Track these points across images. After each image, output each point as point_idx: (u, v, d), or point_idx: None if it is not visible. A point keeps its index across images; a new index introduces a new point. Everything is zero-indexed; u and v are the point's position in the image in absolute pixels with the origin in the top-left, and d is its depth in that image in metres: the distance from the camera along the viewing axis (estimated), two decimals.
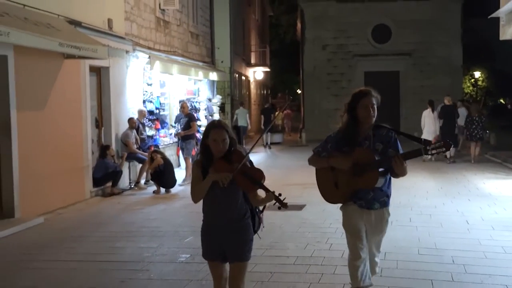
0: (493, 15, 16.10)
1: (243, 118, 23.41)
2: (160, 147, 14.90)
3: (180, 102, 16.39)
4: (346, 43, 27.41)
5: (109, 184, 12.37)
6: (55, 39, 9.01)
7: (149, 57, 14.67)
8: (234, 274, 4.26)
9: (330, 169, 4.65)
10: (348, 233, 4.71)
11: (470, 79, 50.47)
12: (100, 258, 7.32)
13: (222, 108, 23.21)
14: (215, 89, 22.70)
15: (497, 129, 24.51)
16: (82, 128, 11.71)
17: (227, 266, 4.35)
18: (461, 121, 18.06)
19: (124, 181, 13.16)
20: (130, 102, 14.06)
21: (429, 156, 3.62)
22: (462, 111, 18.67)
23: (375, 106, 4.54)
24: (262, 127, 25.58)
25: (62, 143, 10.83)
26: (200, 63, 20.37)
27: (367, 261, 4.63)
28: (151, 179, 12.98)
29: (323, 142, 4.79)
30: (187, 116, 14.44)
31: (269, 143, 24.38)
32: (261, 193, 4.21)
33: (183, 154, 14.68)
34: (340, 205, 4.79)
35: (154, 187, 12.76)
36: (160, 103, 16.08)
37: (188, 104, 16.12)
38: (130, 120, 13.47)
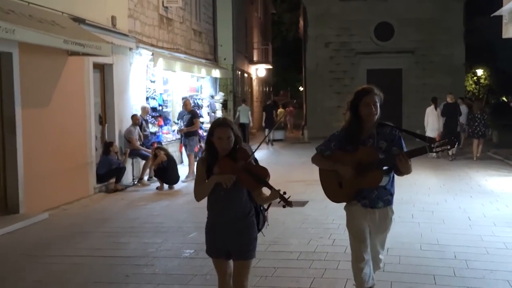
0: (496, 13, 16.11)
1: (245, 115, 23.45)
2: (163, 143, 14.95)
3: (183, 99, 16.44)
4: (349, 41, 27.41)
5: (113, 180, 12.43)
6: (60, 36, 9.05)
7: (152, 54, 14.72)
8: (238, 271, 4.28)
9: (335, 169, 4.63)
10: (351, 235, 4.69)
11: (473, 77, 50.46)
12: (104, 254, 7.38)
13: (224, 105, 23.24)
14: (217, 86, 22.74)
15: (499, 127, 24.53)
16: (86, 125, 11.76)
17: (231, 262, 4.37)
18: (462, 118, 18.13)
19: (127, 178, 13.23)
20: (133, 99, 14.11)
21: (434, 154, 3.63)
22: (463, 109, 18.72)
23: (378, 104, 4.51)
24: (263, 124, 25.60)
25: (66, 140, 10.88)
26: (203, 61, 20.41)
27: (370, 262, 4.63)
28: (155, 176, 13.05)
29: (327, 140, 4.76)
30: (190, 113, 14.51)
31: (271, 139, 24.42)
32: (266, 191, 4.20)
33: (186, 150, 14.75)
34: (344, 204, 4.78)
35: (157, 184, 12.82)
36: (163, 100, 16.14)
37: (191, 101, 16.18)
38: (134, 116, 13.52)
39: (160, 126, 15.64)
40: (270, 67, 38.02)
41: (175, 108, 17.26)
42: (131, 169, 13.62)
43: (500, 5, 16.09)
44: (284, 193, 4.08)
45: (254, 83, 35.41)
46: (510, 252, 7.01)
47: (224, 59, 25.26)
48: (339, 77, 27.45)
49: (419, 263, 6.55)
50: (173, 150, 15.69)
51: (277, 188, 4.11)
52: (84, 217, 9.87)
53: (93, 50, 10.22)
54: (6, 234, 8.50)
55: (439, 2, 26.64)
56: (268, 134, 22.62)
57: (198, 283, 6.05)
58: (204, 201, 4.36)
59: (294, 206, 4.20)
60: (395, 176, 4.66)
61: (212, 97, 21.05)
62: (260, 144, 4.95)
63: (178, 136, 15.97)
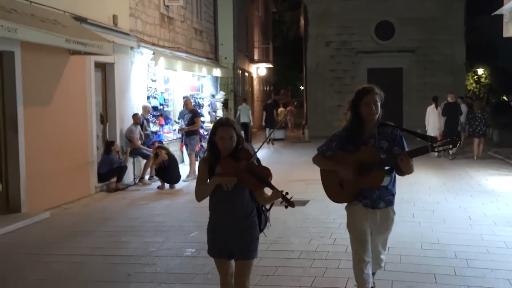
0: (497, 12, 16.13)
1: (245, 114, 23.46)
2: (164, 143, 14.97)
3: (183, 98, 16.45)
4: (350, 40, 27.42)
5: (114, 179, 12.45)
6: (62, 36, 9.08)
7: (154, 53, 14.73)
8: (240, 271, 4.29)
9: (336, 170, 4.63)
10: (352, 236, 4.69)
11: (473, 76, 50.44)
12: (106, 253, 7.40)
13: (225, 104, 23.26)
14: (218, 85, 22.76)
15: (500, 126, 24.53)
16: (87, 124, 11.78)
17: (233, 262, 4.37)
18: (462, 117, 18.15)
19: (128, 177, 13.24)
20: (134, 98, 14.13)
21: (435, 153, 3.62)
22: (463, 108, 18.75)
23: (378, 104, 4.50)
24: (263, 123, 25.63)
25: (67, 139, 10.91)
26: (204, 59, 20.43)
27: (371, 262, 4.63)
28: (156, 175, 13.06)
29: (328, 140, 4.75)
30: (191, 112, 14.53)
31: (272, 139, 24.42)
32: (268, 191, 4.19)
33: (187, 150, 14.78)
34: (344, 204, 4.78)
35: (159, 183, 12.83)
36: (164, 99, 16.15)
37: (192, 100, 16.20)
38: (135, 116, 13.54)
39: (161, 125, 15.66)
40: (271, 66, 38.04)
41: (176, 107, 17.27)
42: (132, 168, 13.64)
43: (500, 4, 16.11)
44: (287, 193, 4.06)
45: (255, 82, 35.43)
46: (510, 251, 7.04)
47: (225, 58, 25.29)
48: (340, 76, 27.46)
49: (419, 262, 6.57)
50: (174, 149, 15.71)
51: (279, 188, 4.09)
52: (85, 216, 9.89)
53: (94, 49, 10.25)
54: (8, 233, 8.53)
55: (440, 1, 26.65)
56: (270, 134, 22.59)
57: (200, 281, 6.07)
58: (206, 200, 4.36)
59: (295, 206, 4.18)
60: (397, 176, 4.65)
61: (213, 96, 21.06)
62: (262, 145, 4.96)
63: (179, 135, 15.98)
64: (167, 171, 12.61)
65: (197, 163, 14.20)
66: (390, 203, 4.63)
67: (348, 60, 27.45)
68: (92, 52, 10.57)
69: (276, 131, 25.62)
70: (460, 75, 27.58)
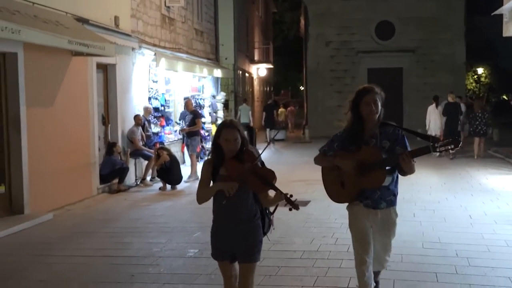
0: (497, 12, 16.17)
1: (245, 115, 23.51)
2: (165, 144, 15.01)
3: (184, 99, 16.50)
4: (350, 40, 27.45)
5: (116, 181, 12.49)
6: (64, 37, 9.13)
7: (155, 54, 14.77)
8: (243, 274, 4.29)
9: (336, 168, 4.62)
10: (354, 237, 4.69)
11: (473, 76, 50.48)
12: (109, 253, 7.44)
13: (226, 105, 23.30)
14: (219, 86, 22.79)
15: (500, 125, 24.56)
16: (89, 125, 11.83)
17: (236, 264, 4.38)
18: (461, 117, 18.18)
19: (130, 178, 13.28)
20: (136, 99, 14.17)
21: (437, 153, 3.64)
22: (462, 107, 18.76)
23: (379, 103, 4.51)
24: (263, 123, 25.69)
25: (69, 140, 10.95)
26: (205, 60, 20.48)
27: (371, 263, 4.62)
28: (157, 176, 13.08)
29: (329, 141, 4.77)
30: (192, 113, 14.56)
31: (273, 139, 24.45)
32: (272, 193, 4.19)
33: (188, 150, 14.81)
34: (346, 204, 4.78)
35: (160, 184, 12.86)
36: (165, 100, 16.18)
37: (193, 101, 16.23)
38: (136, 117, 13.58)
39: (162, 127, 15.69)
40: (271, 66, 38.07)
41: (177, 108, 17.31)
42: (134, 169, 13.68)
43: (500, 3, 16.14)
44: (291, 196, 4.05)
45: (255, 82, 35.47)
46: (511, 249, 7.09)
47: (226, 58, 25.33)
48: (340, 76, 27.49)
49: (421, 261, 6.62)
50: (175, 150, 15.74)
51: (282, 190, 4.08)
52: (87, 217, 9.93)
53: (97, 50, 10.29)
54: (11, 234, 8.57)
55: (440, 1, 26.68)
56: (274, 136, 22.58)
57: (203, 282, 6.12)
58: (208, 201, 4.37)
59: (299, 208, 4.15)
60: (399, 176, 4.66)
61: (214, 97, 21.10)
62: (266, 147, 4.99)
63: (180, 136, 16.02)
64: (168, 172, 12.64)
65: (198, 164, 14.27)
66: (392, 203, 4.64)
67: (348, 60, 27.48)
68: (94, 53, 10.61)
69: (276, 132, 25.64)
70: (460, 75, 27.61)
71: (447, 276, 6.03)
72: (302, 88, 49.57)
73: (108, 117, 13.04)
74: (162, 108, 15.87)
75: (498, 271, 6.18)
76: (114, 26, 12.68)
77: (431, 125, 17.87)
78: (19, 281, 6.43)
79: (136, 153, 13.45)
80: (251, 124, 23.90)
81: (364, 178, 4.47)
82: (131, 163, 13.44)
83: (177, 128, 16.26)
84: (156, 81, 15.55)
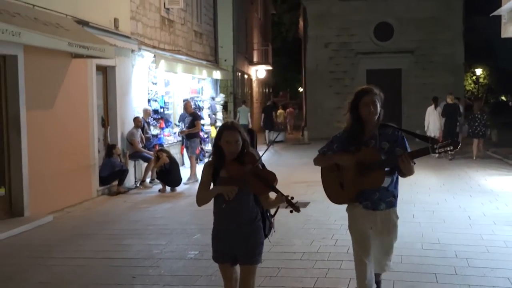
0: (495, 13, 16.17)
1: (244, 116, 23.56)
2: (164, 146, 15.02)
3: (184, 101, 16.53)
4: (349, 41, 27.48)
5: (115, 183, 12.50)
6: (64, 39, 9.14)
7: (154, 56, 14.79)
8: (244, 276, 4.28)
9: (336, 169, 4.61)
10: (354, 238, 4.69)
11: (472, 77, 50.56)
12: (109, 255, 7.47)
13: (225, 106, 23.34)
14: (218, 88, 22.81)
15: (499, 126, 24.63)
16: (89, 127, 11.84)
17: (237, 267, 4.37)
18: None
19: (129, 180, 13.29)
20: (135, 101, 14.19)
21: (437, 155, 3.63)
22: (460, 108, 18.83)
23: (378, 104, 4.50)
24: (262, 124, 25.73)
25: (69, 142, 10.96)
26: (204, 62, 20.50)
27: (372, 265, 4.62)
28: (157, 178, 13.08)
29: (329, 142, 4.77)
30: (191, 115, 14.59)
31: (272, 140, 24.47)
32: (272, 195, 4.18)
33: (187, 152, 14.82)
34: (345, 205, 4.78)
35: (160, 186, 12.87)
36: (164, 102, 16.21)
37: (192, 103, 16.25)
38: (136, 119, 13.60)
39: (162, 129, 15.71)
40: (270, 68, 38.08)
41: (176, 110, 17.33)
42: (133, 171, 13.69)
43: (499, 4, 16.15)
44: (292, 198, 4.03)
45: (254, 84, 35.50)
46: (510, 250, 7.11)
47: (225, 60, 25.36)
48: (339, 78, 27.52)
49: (420, 262, 6.64)
50: (175, 152, 15.77)
51: (282, 192, 4.07)
52: (87, 219, 9.94)
53: (97, 52, 10.31)
54: (11, 236, 8.57)
55: (439, 2, 26.73)
56: (274, 139, 22.60)
57: (204, 283, 6.14)
58: (207, 203, 4.37)
59: (300, 210, 4.12)
60: (400, 178, 4.65)
61: (213, 98, 21.13)
62: (267, 149, 4.99)
63: (179, 138, 16.04)
64: (168, 174, 12.66)
65: (197, 166, 14.29)
66: (392, 204, 4.63)
67: (347, 61, 27.51)
68: (94, 56, 10.63)
69: (275, 133, 25.69)
70: (459, 75, 27.65)
71: (446, 277, 6.06)
72: (300, 89, 49.63)
73: (107, 119, 13.05)
74: (162, 110, 15.89)
75: (497, 271, 6.21)
76: (113, 28, 12.71)
77: (430, 126, 17.91)
78: (19, 283, 6.44)
79: (136, 155, 13.47)
80: (250, 125, 23.97)
81: (364, 178, 4.46)
82: (131, 165, 13.46)
83: (177, 130, 16.29)
84: (156, 83, 15.58)
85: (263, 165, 4.32)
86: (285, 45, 48.30)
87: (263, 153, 4.38)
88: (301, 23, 34.98)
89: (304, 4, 28.56)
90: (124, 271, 6.68)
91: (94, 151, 11.97)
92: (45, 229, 9.13)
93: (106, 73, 12.96)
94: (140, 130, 13.63)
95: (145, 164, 13.64)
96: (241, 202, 4.21)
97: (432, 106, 18.10)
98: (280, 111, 31.93)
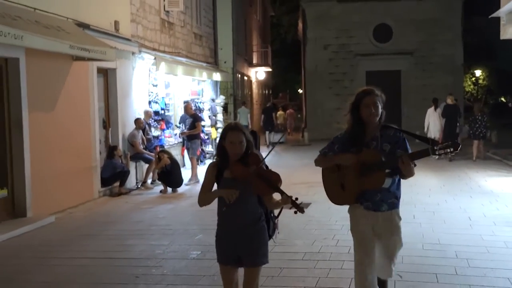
0: (494, 15, 16.22)
1: (244, 117, 23.62)
2: (165, 147, 15.07)
3: (184, 102, 16.58)
4: (348, 43, 27.51)
5: (117, 184, 12.55)
6: (66, 42, 9.20)
7: (155, 58, 14.84)
8: (249, 277, 4.24)
9: (337, 170, 4.59)
10: (355, 240, 4.66)
11: (471, 78, 50.62)
12: (112, 255, 7.52)
13: (225, 108, 23.39)
14: (218, 90, 22.86)
15: (498, 127, 24.68)
16: (90, 129, 11.89)
17: (239, 270, 4.35)
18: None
19: (131, 181, 13.34)
20: (136, 103, 14.24)
21: (437, 156, 3.64)
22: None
23: (379, 105, 4.48)
24: (261, 124, 25.76)
25: (71, 144, 11.02)
26: (204, 64, 20.55)
27: (375, 268, 4.58)
28: (158, 179, 13.13)
29: (330, 143, 4.75)
30: (192, 117, 14.64)
31: (272, 142, 24.53)
32: (276, 196, 4.17)
33: (188, 154, 14.87)
34: (347, 206, 4.76)
35: (161, 187, 12.92)
36: (165, 104, 16.26)
37: (192, 105, 16.30)
38: (138, 120, 13.64)
39: (162, 130, 15.76)
40: (270, 69, 38.14)
41: (176, 112, 17.38)
42: (135, 172, 13.73)
43: (498, 4, 16.18)
44: (296, 199, 4.02)
45: (254, 85, 35.55)
46: (510, 251, 7.16)
47: (225, 62, 25.40)
48: (339, 79, 27.55)
49: (421, 262, 6.68)
50: (176, 153, 15.80)
51: (290, 195, 4.04)
52: (90, 220, 9.99)
53: (98, 55, 10.37)
54: (14, 237, 8.63)
55: (438, 3, 26.76)
56: (279, 140, 22.58)
57: (206, 283, 6.18)
58: (209, 204, 4.38)
59: (297, 208, 4.09)
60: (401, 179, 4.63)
61: (213, 100, 21.18)
62: (270, 151, 5.02)
63: (180, 140, 16.08)
64: (169, 175, 12.71)
65: (198, 167, 14.33)
66: (394, 206, 4.57)
67: (346, 63, 27.55)
68: (95, 58, 10.69)
69: (276, 135, 25.75)
70: (458, 76, 27.70)
71: (447, 277, 6.10)
72: (300, 90, 49.67)
73: (109, 121, 13.10)
74: (162, 111, 15.94)
75: (497, 272, 6.25)
76: (114, 31, 12.76)
77: (430, 127, 17.96)
78: (22, 283, 6.49)
79: (137, 157, 13.51)
80: (250, 126, 24.02)
81: (365, 178, 4.44)
82: (132, 166, 13.50)
83: (177, 131, 16.33)
84: (156, 85, 15.62)
85: (266, 166, 4.32)
86: (284, 47, 48.35)
87: (267, 155, 4.38)
88: (300, 25, 35.03)
89: (303, 6, 28.61)
90: (127, 271, 6.73)
91: (95, 152, 12.02)
92: (48, 230, 9.18)
93: (107, 76, 13.01)
94: (141, 131, 13.68)
95: (146, 165, 13.69)
96: (244, 204, 4.19)
97: (432, 108, 18.15)
98: (280, 112, 31.95)
